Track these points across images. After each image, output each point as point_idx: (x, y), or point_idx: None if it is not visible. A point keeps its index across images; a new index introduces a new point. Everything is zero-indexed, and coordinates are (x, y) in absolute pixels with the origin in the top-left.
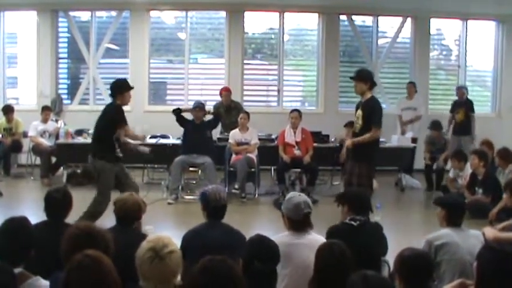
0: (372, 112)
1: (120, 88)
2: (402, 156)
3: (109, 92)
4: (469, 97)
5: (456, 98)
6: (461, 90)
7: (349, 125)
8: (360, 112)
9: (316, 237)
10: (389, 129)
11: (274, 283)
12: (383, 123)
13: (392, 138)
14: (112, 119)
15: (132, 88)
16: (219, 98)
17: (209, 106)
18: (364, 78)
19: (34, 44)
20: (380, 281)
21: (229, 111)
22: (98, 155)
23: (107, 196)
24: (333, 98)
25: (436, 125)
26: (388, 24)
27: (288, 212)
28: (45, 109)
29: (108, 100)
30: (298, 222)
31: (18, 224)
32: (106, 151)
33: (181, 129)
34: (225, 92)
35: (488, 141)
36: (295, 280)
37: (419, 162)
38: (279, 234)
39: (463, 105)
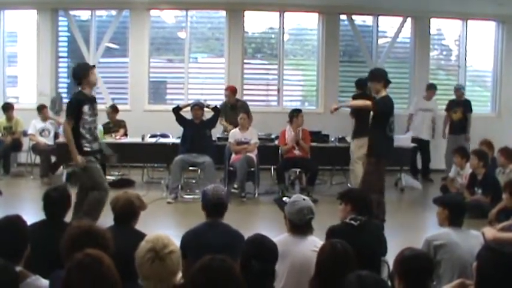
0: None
1: (84, 70)
2: (402, 156)
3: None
4: (469, 97)
5: (454, 97)
6: (461, 90)
7: None
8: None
9: (315, 239)
10: None
11: (272, 282)
12: None
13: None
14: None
15: (93, 67)
16: (219, 98)
17: (211, 101)
18: (376, 77)
19: (34, 43)
20: (375, 281)
21: (235, 110)
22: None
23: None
24: (333, 98)
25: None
26: (388, 24)
27: (291, 215)
28: (41, 107)
29: (108, 99)
30: (300, 227)
31: (11, 222)
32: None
33: (181, 129)
34: (227, 91)
35: (488, 141)
36: (293, 278)
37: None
38: (279, 236)
39: (461, 105)
